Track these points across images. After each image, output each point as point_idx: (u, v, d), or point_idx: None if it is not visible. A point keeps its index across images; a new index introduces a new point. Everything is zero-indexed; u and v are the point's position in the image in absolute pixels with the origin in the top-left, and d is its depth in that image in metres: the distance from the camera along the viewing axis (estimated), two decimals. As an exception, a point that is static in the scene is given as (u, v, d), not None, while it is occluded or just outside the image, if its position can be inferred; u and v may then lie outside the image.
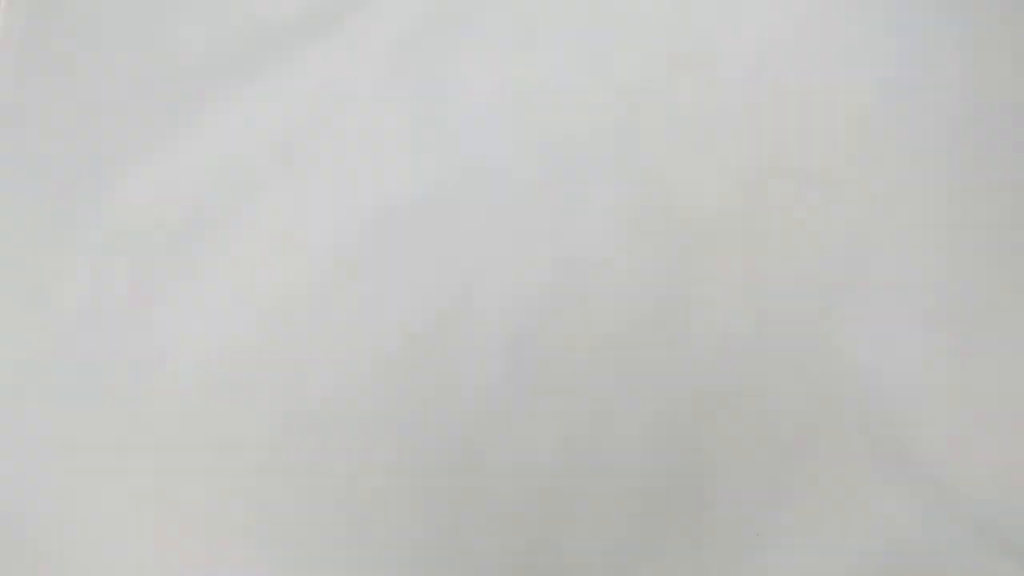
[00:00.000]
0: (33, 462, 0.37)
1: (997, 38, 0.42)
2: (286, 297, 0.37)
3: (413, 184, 0.39)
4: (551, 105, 0.41)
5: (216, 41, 0.42)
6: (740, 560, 0.38)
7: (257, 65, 0.42)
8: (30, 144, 0.42)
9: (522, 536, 0.38)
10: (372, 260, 0.38)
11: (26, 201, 0.41)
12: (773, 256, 0.38)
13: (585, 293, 0.37)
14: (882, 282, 0.38)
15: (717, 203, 0.38)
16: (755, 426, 0.39)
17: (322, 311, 0.38)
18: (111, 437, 0.37)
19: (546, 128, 0.41)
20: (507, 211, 0.38)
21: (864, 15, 0.43)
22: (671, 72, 0.42)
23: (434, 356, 0.36)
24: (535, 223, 0.38)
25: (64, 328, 0.40)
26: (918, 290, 0.38)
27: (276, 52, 0.42)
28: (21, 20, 0.43)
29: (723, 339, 0.38)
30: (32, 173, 0.41)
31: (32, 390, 0.39)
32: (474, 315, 0.37)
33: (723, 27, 0.43)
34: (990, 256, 0.38)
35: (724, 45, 0.42)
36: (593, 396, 0.37)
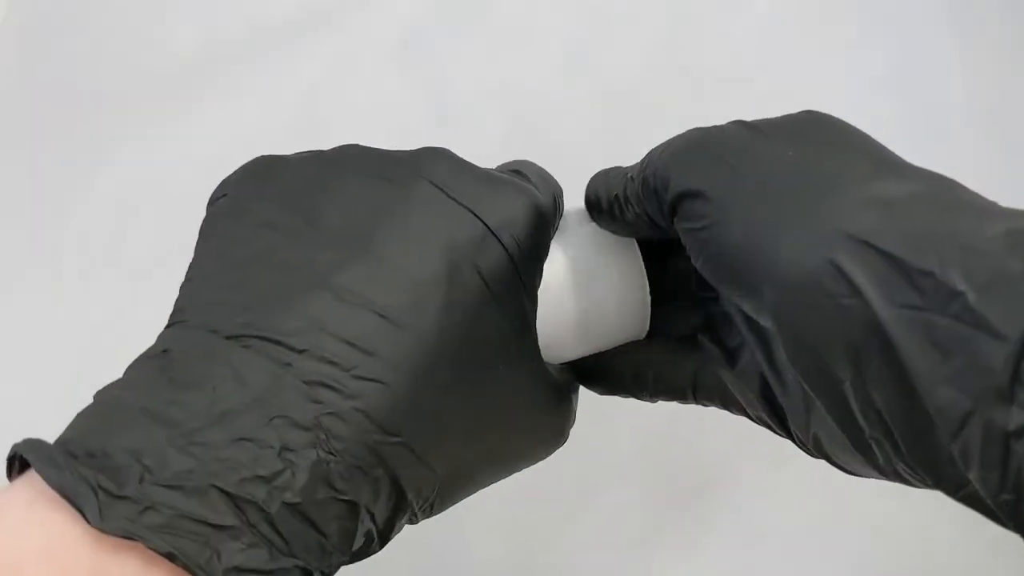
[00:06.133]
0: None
1: (996, 38, 0.42)
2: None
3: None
4: (547, 108, 0.42)
5: (213, 39, 0.43)
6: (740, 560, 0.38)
7: (254, 61, 0.43)
8: (28, 131, 0.42)
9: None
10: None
11: (19, 188, 0.42)
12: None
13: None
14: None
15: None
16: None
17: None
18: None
19: (543, 134, 0.41)
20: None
21: (863, 14, 0.43)
22: (666, 72, 0.42)
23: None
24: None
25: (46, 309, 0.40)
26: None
27: (274, 49, 0.43)
28: (23, 13, 0.43)
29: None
30: (27, 160, 0.42)
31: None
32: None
33: (721, 26, 0.43)
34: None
35: (721, 45, 0.43)
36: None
